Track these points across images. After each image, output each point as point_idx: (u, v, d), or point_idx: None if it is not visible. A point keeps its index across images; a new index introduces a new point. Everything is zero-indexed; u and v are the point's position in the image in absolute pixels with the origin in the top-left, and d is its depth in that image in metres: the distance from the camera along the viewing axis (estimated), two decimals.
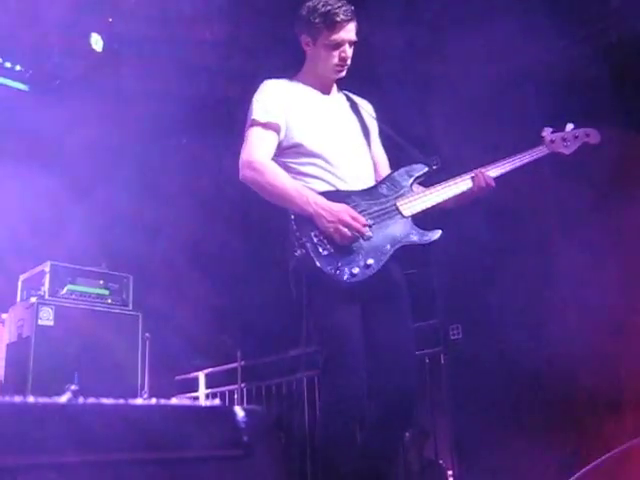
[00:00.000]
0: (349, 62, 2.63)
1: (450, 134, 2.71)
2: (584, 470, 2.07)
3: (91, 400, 1.07)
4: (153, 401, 1.14)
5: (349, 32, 2.57)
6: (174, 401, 1.16)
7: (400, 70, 3.89)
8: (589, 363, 3.05)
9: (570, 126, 2.82)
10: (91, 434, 1.02)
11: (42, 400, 1.01)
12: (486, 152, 2.72)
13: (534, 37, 3.37)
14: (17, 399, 1.00)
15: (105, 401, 1.06)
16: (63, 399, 1.04)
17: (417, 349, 4.10)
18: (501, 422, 3.47)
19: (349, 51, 2.60)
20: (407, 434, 4.04)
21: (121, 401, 1.09)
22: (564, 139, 2.78)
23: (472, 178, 2.62)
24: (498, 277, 3.65)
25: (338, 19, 2.52)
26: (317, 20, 2.55)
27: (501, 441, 3.35)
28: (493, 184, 2.63)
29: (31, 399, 1.01)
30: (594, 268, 3.10)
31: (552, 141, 2.78)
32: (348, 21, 2.55)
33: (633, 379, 2.92)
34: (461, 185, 2.62)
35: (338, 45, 2.56)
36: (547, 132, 2.78)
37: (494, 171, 2.66)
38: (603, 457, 2.06)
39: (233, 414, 1.22)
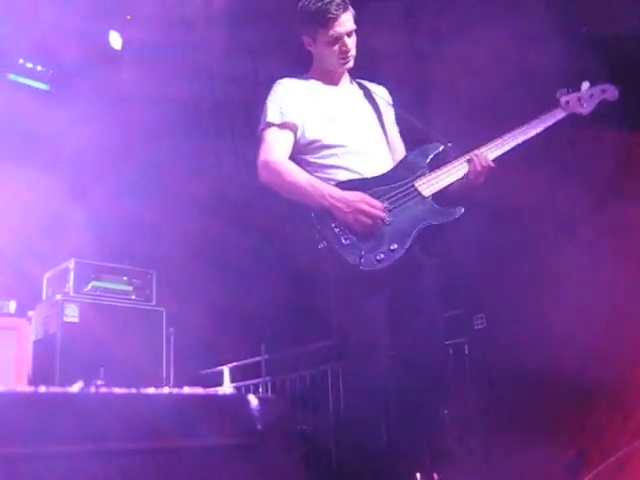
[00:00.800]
0: (353, 52, 2.61)
1: (450, 135, 2.67)
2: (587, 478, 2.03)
3: (103, 390, 1.07)
4: (165, 390, 1.13)
5: (344, 24, 2.53)
6: (186, 390, 1.15)
7: (400, 71, 3.85)
8: (592, 363, 2.99)
9: (586, 84, 2.71)
10: (102, 423, 1.01)
11: (53, 390, 1.01)
12: None
13: (534, 37, 3.32)
14: (28, 389, 1.00)
15: (116, 390, 1.06)
16: (74, 389, 1.04)
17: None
18: (504, 421, 3.43)
19: (349, 42, 2.56)
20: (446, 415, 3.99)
21: (133, 390, 1.08)
22: (580, 99, 2.68)
23: (468, 161, 2.53)
24: (501, 275, 3.62)
25: (330, 15, 2.49)
26: (310, 20, 2.53)
27: (503, 441, 3.31)
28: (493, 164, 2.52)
29: (42, 389, 1.01)
30: (594, 268, 3.05)
31: (567, 102, 2.68)
32: (341, 14, 2.50)
33: (638, 378, 2.86)
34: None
35: (337, 39, 2.54)
36: (562, 93, 2.69)
37: (514, 141, 2.57)
38: (605, 463, 2.02)
39: (247, 403, 1.21)
